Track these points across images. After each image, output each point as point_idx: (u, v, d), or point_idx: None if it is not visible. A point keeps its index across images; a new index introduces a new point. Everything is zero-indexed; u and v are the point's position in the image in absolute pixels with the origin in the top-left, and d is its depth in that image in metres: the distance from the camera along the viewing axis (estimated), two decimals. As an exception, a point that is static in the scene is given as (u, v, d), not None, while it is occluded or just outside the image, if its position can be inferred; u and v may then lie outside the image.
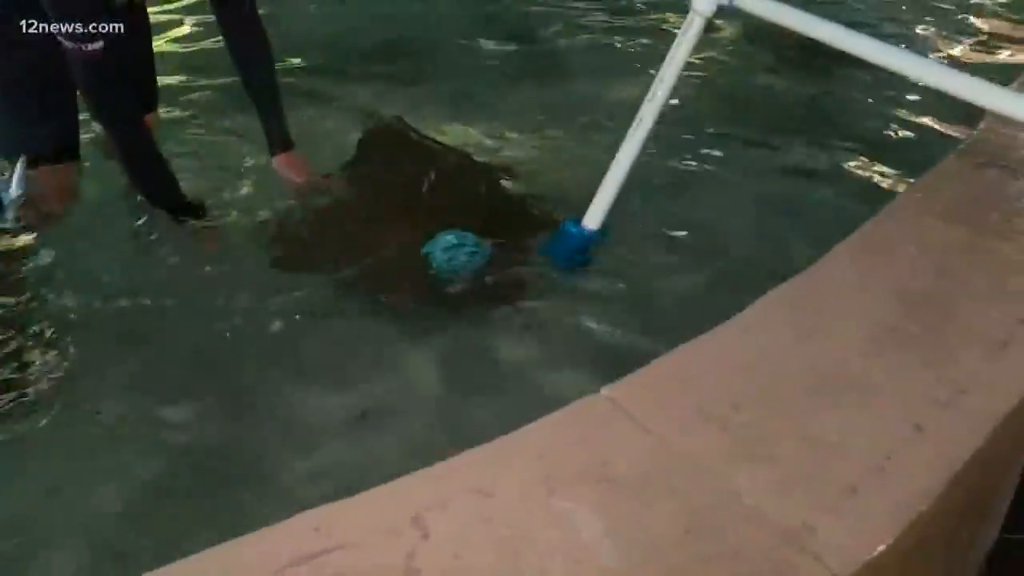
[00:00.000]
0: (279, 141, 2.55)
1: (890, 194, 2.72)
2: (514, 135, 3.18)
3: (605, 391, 1.46)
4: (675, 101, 2.43)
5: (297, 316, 2.23)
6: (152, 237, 2.41)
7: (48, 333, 2.12)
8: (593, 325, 2.23)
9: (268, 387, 2.05)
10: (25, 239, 2.37)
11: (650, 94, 2.21)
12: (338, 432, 1.94)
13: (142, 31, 2.50)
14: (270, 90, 2.52)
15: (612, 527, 1.22)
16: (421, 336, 2.22)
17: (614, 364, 1.62)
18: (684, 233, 2.63)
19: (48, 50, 2.09)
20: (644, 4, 4.66)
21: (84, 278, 2.31)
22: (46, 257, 2.33)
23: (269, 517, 1.21)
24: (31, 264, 2.31)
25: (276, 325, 2.20)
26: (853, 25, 2.05)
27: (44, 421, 1.92)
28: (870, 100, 3.66)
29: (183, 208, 2.37)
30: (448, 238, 2.36)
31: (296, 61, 3.67)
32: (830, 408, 1.44)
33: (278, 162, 2.54)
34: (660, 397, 1.47)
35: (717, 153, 3.14)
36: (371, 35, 4.04)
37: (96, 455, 1.88)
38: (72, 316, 2.19)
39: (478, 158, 2.83)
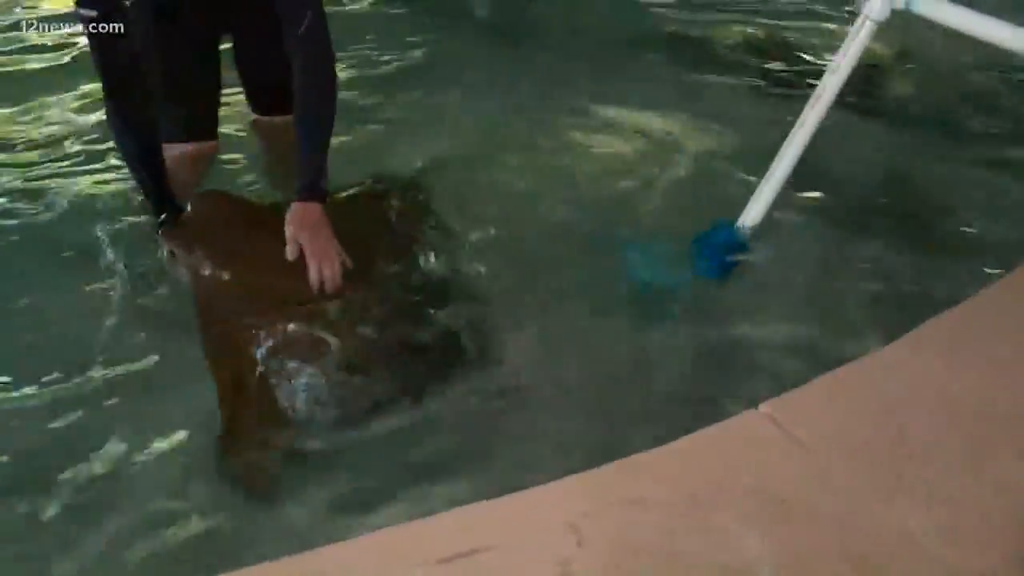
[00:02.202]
0: (303, 184, 2.14)
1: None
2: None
3: (764, 408, 1.43)
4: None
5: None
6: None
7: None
8: (749, 335, 2.16)
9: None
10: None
11: (812, 99, 2.14)
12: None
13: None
14: (310, 122, 2.19)
15: (770, 548, 1.19)
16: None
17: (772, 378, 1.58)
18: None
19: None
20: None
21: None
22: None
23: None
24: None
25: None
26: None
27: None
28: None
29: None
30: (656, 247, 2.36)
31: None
32: (1010, 447, 1.36)
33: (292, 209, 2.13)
34: (821, 418, 1.44)
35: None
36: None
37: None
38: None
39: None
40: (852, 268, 2.39)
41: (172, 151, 2.40)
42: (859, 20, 2.07)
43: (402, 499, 1.62)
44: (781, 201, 2.29)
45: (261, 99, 2.64)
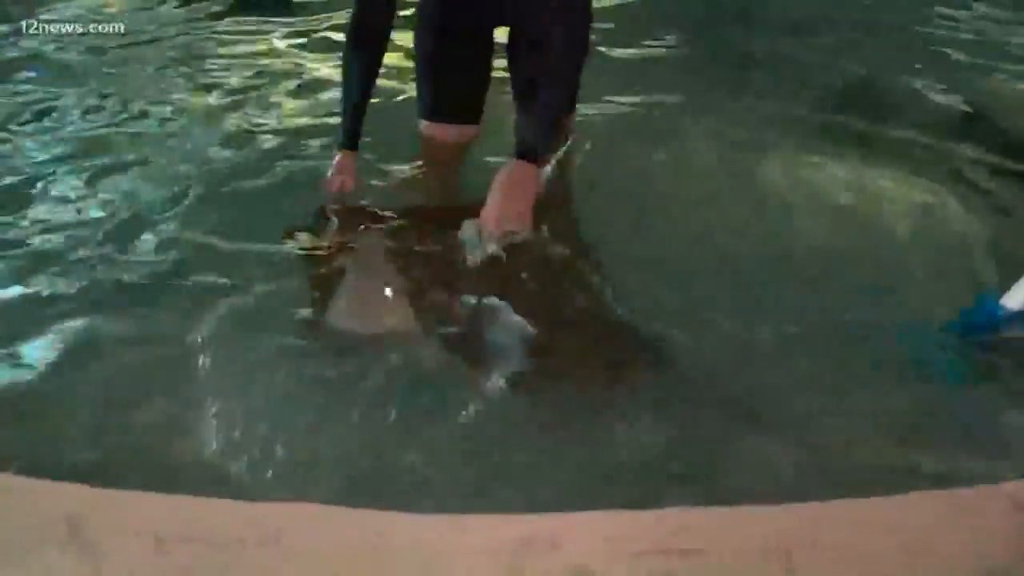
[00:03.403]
0: (524, 143, 2.11)
1: None
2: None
3: (1007, 487, 1.36)
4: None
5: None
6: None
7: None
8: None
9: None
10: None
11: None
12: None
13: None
14: (556, 83, 2.17)
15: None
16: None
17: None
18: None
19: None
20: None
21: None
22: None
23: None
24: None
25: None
26: None
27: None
28: None
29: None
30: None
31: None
32: None
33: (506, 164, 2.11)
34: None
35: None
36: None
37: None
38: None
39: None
40: None
41: (434, 129, 2.59)
42: None
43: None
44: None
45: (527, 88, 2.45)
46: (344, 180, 2.38)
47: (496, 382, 1.89)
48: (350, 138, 2.39)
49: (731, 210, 2.67)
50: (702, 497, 1.45)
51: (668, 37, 4.06)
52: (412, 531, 1.33)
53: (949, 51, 4.15)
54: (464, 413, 1.80)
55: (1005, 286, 2.18)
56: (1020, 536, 1.29)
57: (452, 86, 2.55)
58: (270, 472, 1.64)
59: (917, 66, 3.92)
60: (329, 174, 2.40)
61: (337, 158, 2.40)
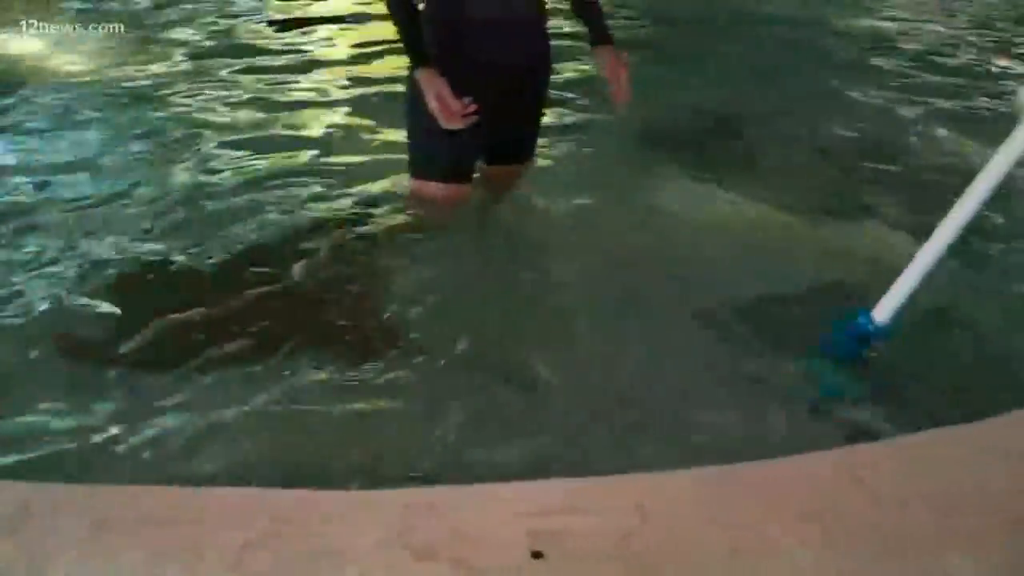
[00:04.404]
0: (607, 32, 2.62)
1: None
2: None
3: (843, 452, 1.56)
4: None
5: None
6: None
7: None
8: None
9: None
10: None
11: (963, 196, 2.22)
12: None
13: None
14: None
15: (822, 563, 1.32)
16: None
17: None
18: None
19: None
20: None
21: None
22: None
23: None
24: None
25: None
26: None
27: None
28: None
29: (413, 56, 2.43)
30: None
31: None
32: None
33: (598, 52, 2.59)
34: (896, 470, 1.54)
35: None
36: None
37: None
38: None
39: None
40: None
41: (424, 188, 2.68)
42: (1018, 127, 2.16)
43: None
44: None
45: (496, 151, 2.79)
46: (442, 90, 2.35)
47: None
48: (425, 56, 2.42)
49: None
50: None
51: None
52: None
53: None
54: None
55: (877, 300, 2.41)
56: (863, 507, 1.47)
57: (471, 144, 2.60)
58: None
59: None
60: (430, 96, 2.35)
61: (425, 75, 2.38)
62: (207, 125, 3.82)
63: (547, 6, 2.62)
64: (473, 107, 2.36)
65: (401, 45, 2.46)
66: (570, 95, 4.23)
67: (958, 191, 2.23)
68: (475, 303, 2.55)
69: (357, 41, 5.25)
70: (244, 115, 3.98)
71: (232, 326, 2.36)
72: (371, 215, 3.03)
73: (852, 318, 2.41)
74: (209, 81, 4.39)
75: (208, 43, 5.04)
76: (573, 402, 2.11)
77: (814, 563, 1.33)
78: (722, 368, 2.33)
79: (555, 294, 2.66)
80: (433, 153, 2.63)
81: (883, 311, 2.35)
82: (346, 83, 4.48)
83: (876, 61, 5.50)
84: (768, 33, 5.95)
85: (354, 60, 4.96)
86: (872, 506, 1.46)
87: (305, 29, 5.46)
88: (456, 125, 2.36)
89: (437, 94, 2.34)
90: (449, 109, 2.34)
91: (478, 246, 2.89)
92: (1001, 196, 2.25)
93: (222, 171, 3.38)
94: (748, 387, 2.24)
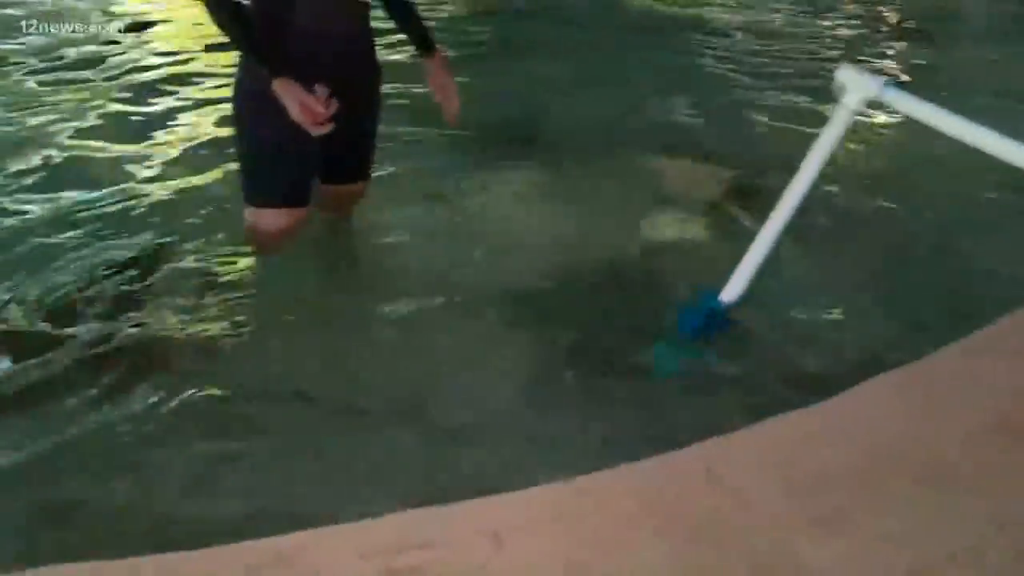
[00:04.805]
0: (431, 40, 2.62)
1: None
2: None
3: (696, 449, 1.56)
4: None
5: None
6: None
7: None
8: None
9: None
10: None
11: (794, 179, 2.29)
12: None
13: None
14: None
15: (677, 566, 1.32)
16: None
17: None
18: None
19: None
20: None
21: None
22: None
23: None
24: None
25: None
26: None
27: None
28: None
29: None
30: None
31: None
32: (914, 494, 1.47)
33: (425, 63, 2.61)
34: (749, 461, 1.56)
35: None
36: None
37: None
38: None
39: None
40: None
41: (266, 217, 2.50)
42: (837, 107, 2.23)
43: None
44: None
45: (333, 167, 2.65)
46: (304, 97, 2.22)
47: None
48: (280, 64, 2.26)
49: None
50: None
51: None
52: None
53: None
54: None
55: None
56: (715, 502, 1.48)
57: (310, 165, 2.51)
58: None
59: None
60: (292, 105, 2.21)
61: (283, 84, 2.22)
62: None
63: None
64: (334, 106, 2.25)
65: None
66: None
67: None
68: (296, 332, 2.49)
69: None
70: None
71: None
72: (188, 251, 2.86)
73: (701, 300, 2.47)
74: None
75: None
76: (405, 429, 2.06)
77: (675, 566, 1.32)
78: (559, 374, 2.34)
79: (384, 321, 2.59)
80: (272, 175, 2.49)
81: (731, 291, 2.40)
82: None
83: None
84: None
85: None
86: (727, 499, 1.47)
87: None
88: (323, 131, 2.25)
89: (301, 101, 2.21)
90: (315, 114, 2.21)
91: (314, 270, 2.84)
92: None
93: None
94: (590, 389, 2.25)
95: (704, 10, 6.88)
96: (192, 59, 4.72)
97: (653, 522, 1.42)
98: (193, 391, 2.18)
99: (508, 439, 2.03)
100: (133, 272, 2.69)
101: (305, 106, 2.21)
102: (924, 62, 5.70)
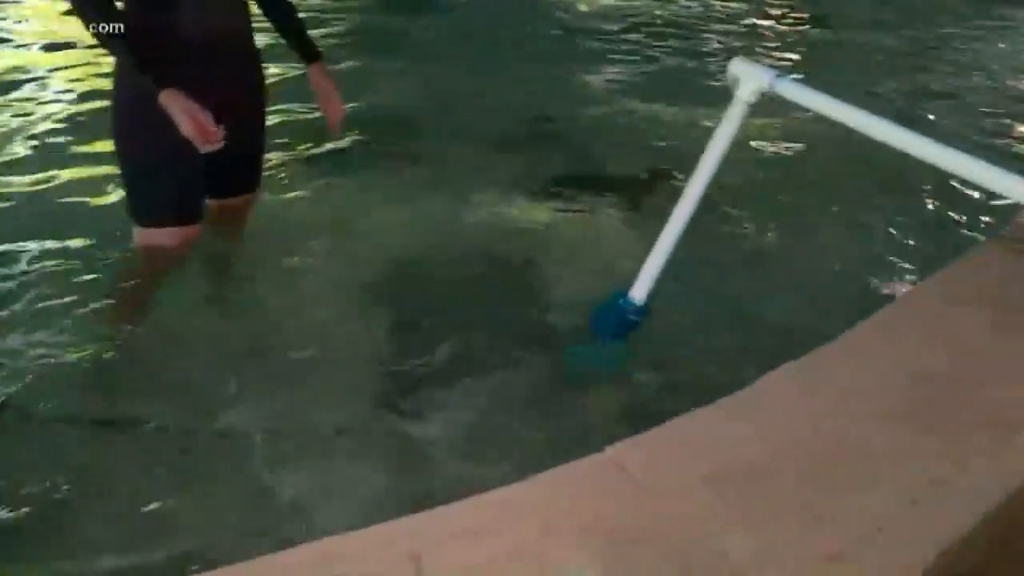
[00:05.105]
0: (316, 50, 2.62)
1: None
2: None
3: (609, 451, 1.54)
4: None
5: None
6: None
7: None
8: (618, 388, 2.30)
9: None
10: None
11: (694, 174, 2.31)
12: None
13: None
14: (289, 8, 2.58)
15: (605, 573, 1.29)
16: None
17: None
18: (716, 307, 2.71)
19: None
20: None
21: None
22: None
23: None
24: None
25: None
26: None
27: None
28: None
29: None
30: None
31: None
32: (828, 480, 1.48)
33: (310, 70, 2.61)
34: (664, 460, 1.55)
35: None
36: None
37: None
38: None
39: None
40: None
41: (157, 237, 2.38)
42: (733, 100, 2.25)
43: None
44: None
45: (220, 178, 2.53)
46: (197, 113, 2.10)
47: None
48: (162, 70, 2.12)
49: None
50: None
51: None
52: None
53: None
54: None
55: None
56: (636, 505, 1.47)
57: (199, 180, 2.39)
58: None
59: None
60: (183, 119, 2.09)
61: (170, 96, 2.10)
62: None
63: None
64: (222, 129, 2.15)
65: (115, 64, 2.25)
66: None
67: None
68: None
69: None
70: None
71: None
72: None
73: (611, 299, 2.47)
74: None
75: None
76: (289, 456, 2.02)
77: (603, 573, 1.30)
78: (459, 380, 2.34)
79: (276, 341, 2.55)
80: (161, 191, 2.37)
81: (639, 290, 2.41)
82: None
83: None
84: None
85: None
86: (646, 500, 1.45)
87: None
88: (214, 147, 2.15)
89: (192, 116, 2.10)
90: (206, 130, 2.11)
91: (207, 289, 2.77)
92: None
93: None
94: (494, 394, 2.23)
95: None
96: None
97: (574, 530, 1.39)
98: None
99: (410, 451, 2.00)
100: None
101: (198, 121, 2.10)
102: (820, 48, 5.87)
